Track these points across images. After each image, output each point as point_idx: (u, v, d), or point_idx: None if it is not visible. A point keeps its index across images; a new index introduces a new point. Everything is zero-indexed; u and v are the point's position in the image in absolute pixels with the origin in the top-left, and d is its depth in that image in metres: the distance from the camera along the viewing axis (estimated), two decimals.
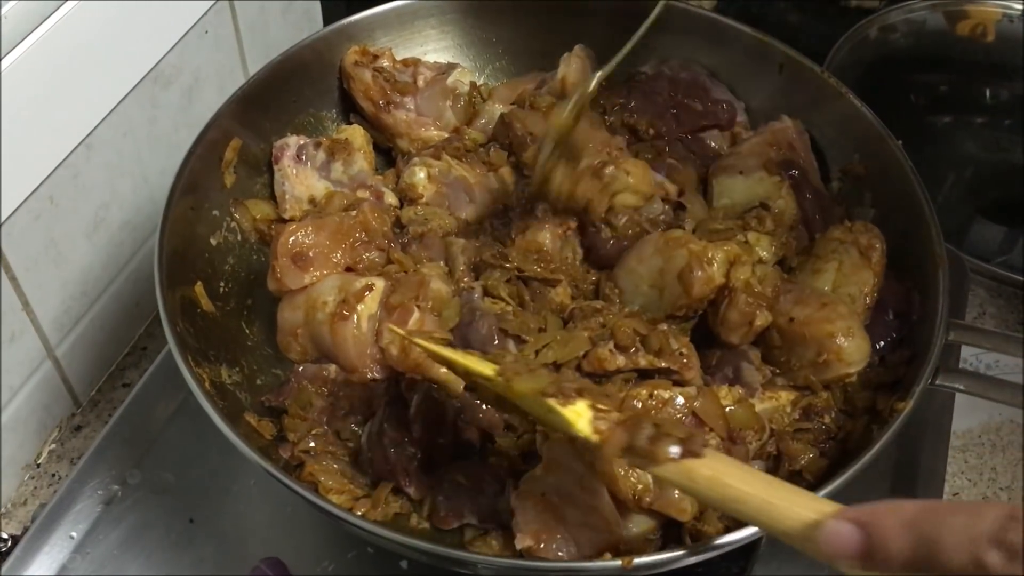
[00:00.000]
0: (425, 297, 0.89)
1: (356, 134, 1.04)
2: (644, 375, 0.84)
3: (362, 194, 1.00)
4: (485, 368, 0.73)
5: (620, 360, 0.82)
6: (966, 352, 1.07)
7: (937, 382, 0.83)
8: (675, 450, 0.62)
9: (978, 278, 1.19)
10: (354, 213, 0.95)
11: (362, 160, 1.02)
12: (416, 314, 0.88)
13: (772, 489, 0.58)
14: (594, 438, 0.66)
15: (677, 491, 0.76)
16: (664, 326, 0.87)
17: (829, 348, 0.86)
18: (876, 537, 0.47)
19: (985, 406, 0.99)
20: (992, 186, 1.33)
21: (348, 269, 0.94)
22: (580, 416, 0.67)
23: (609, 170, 0.93)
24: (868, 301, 0.92)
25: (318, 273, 0.92)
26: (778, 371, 0.89)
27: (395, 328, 0.84)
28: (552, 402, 0.68)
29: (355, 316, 0.89)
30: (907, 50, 1.46)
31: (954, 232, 1.23)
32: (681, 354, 0.83)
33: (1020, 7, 1.47)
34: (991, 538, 0.43)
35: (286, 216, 1.01)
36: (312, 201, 1.00)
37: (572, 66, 1.05)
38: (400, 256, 0.95)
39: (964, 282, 1.11)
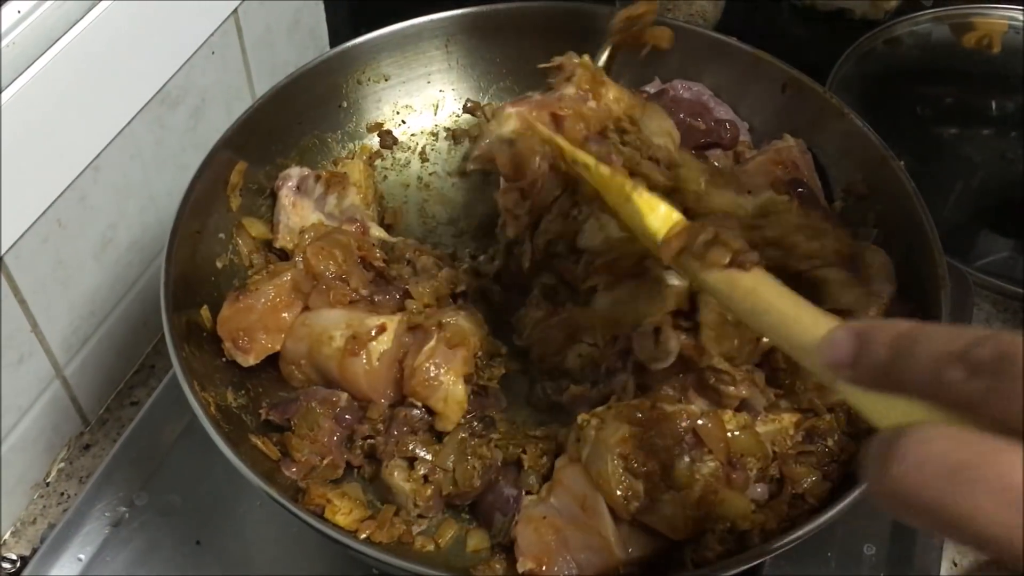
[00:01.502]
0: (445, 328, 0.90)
1: (355, 169, 1.04)
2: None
3: (347, 227, 1.00)
4: (587, 158, 0.80)
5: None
6: None
7: None
8: (723, 257, 0.66)
9: (983, 291, 1.19)
10: (295, 266, 0.95)
11: (354, 195, 1.03)
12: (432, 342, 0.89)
13: (800, 307, 0.60)
14: (660, 233, 0.71)
15: (668, 502, 0.77)
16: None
17: None
18: (865, 346, 0.47)
19: None
20: (999, 198, 1.33)
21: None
22: (653, 210, 0.73)
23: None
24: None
25: (269, 345, 0.92)
26: (782, 393, 0.89)
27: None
28: (635, 192, 0.74)
29: (365, 353, 0.89)
30: (913, 62, 1.47)
31: (960, 244, 1.23)
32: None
33: None
34: (957, 354, 0.42)
35: (276, 244, 1.01)
36: (303, 232, 1.01)
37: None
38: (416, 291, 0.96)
39: (968, 298, 1.11)
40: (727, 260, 0.67)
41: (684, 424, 0.79)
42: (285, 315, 0.93)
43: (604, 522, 0.77)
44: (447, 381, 0.88)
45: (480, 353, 0.92)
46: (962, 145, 1.40)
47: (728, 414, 0.82)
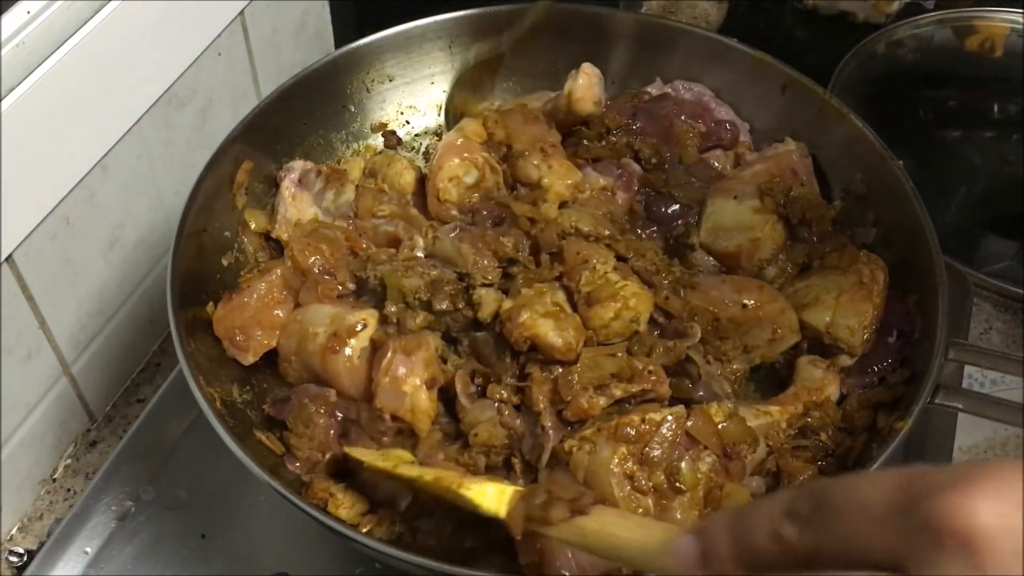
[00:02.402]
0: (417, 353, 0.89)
1: (355, 167, 1.05)
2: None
3: (340, 223, 1.01)
4: (410, 472, 0.81)
5: (601, 401, 0.83)
6: (971, 367, 1.08)
7: (936, 401, 0.84)
8: (564, 512, 0.68)
9: (984, 292, 1.19)
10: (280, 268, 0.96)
11: (351, 192, 1.04)
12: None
13: (642, 526, 0.64)
14: (500, 511, 0.73)
15: (677, 507, 0.78)
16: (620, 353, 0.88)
17: (782, 323, 0.93)
18: (707, 541, 0.50)
19: (991, 422, 1.00)
20: (1001, 200, 1.34)
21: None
22: (484, 496, 0.74)
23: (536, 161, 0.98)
24: (866, 335, 0.93)
25: (266, 342, 0.93)
26: (729, 358, 0.92)
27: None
28: (462, 487, 0.75)
29: (347, 349, 0.89)
30: (915, 65, 1.48)
31: (963, 246, 1.24)
32: (649, 372, 0.85)
33: None
34: (784, 512, 0.46)
35: (273, 235, 1.03)
36: (298, 225, 1.02)
37: (580, 81, 1.05)
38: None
39: (967, 299, 1.12)
40: (567, 513, 0.68)
41: (675, 428, 0.80)
42: (278, 312, 0.94)
43: None
44: (410, 391, 0.87)
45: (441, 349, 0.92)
46: (964, 148, 1.41)
47: (714, 407, 0.83)
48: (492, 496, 0.74)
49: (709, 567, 0.50)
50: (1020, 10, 1.49)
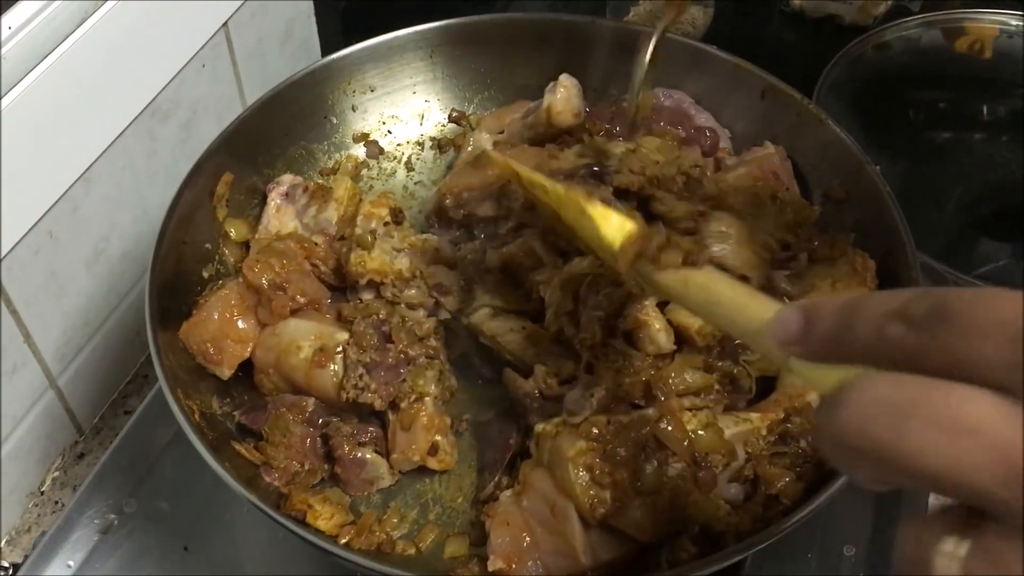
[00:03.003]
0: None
1: (341, 186, 1.05)
2: None
3: (317, 238, 1.02)
4: (542, 180, 0.82)
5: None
6: None
7: None
8: (677, 258, 0.70)
9: None
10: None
11: (332, 210, 1.04)
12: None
13: (750, 295, 0.63)
14: (616, 241, 0.73)
15: (637, 507, 0.78)
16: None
17: None
18: (812, 320, 0.49)
19: None
20: (992, 202, 1.33)
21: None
22: (607, 221, 0.74)
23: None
24: None
25: (239, 353, 0.94)
26: None
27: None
28: (589, 205, 0.76)
29: (333, 365, 0.91)
30: (903, 67, 1.48)
31: (954, 249, 1.24)
32: (716, 388, 0.89)
33: (1017, 24, 1.48)
34: (896, 312, 0.44)
35: (252, 245, 1.04)
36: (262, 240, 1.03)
37: (558, 95, 1.06)
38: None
39: None
40: (680, 260, 0.70)
41: (644, 431, 0.80)
42: (241, 324, 0.94)
43: (572, 528, 0.78)
44: (419, 458, 0.91)
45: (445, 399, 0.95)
46: (954, 150, 1.41)
47: (688, 414, 0.83)
48: (614, 223, 0.74)
49: (806, 343, 0.49)
50: (1009, 11, 1.49)
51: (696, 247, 0.71)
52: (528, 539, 0.79)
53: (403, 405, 0.91)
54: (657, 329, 0.88)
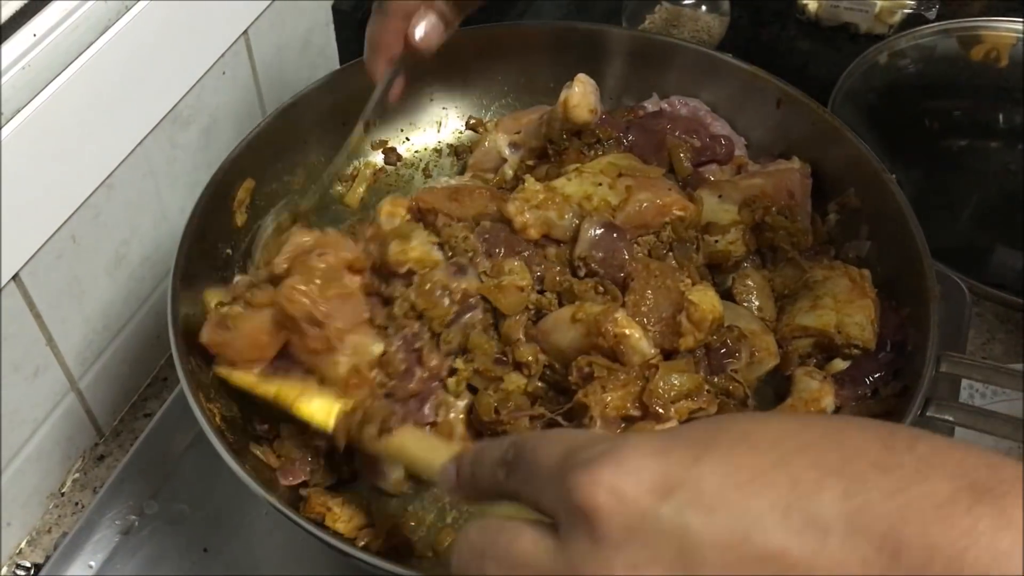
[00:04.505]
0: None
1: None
2: None
3: None
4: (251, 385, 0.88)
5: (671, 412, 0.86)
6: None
7: (927, 414, 0.84)
8: (373, 431, 0.80)
9: (988, 303, 1.19)
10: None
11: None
12: None
13: (436, 450, 0.73)
14: (328, 424, 0.82)
15: None
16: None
17: (760, 346, 0.95)
18: (459, 470, 0.58)
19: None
20: (1007, 210, 1.33)
21: None
22: (313, 409, 0.84)
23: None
24: (876, 327, 0.94)
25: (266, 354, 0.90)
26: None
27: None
28: (297, 401, 0.84)
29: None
30: (918, 76, 1.48)
31: (970, 257, 1.24)
32: (707, 390, 0.88)
33: None
34: (500, 459, 0.53)
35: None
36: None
37: (575, 89, 1.06)
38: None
39: (964, 310, 1.12)
40: (376, 431, 0.80)
41: None
42: (270, 345, 0.88)
43: None
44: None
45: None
46: (970, 158, 1.41)
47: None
48: (322, 408, 0.83)
49: (460, 490, 0.59)
50: None
51: (389, 414, 0.81)
52: None
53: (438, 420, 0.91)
54: (637, 338, 0.87)
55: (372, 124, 1.01)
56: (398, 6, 0.91)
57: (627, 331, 0.87)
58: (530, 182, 0.99)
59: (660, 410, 0.83)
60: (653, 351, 0.87)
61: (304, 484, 0.89)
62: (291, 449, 0.89)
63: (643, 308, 0.91)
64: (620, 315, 0.87)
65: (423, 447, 0.75)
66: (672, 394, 0.84)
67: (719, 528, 0.43)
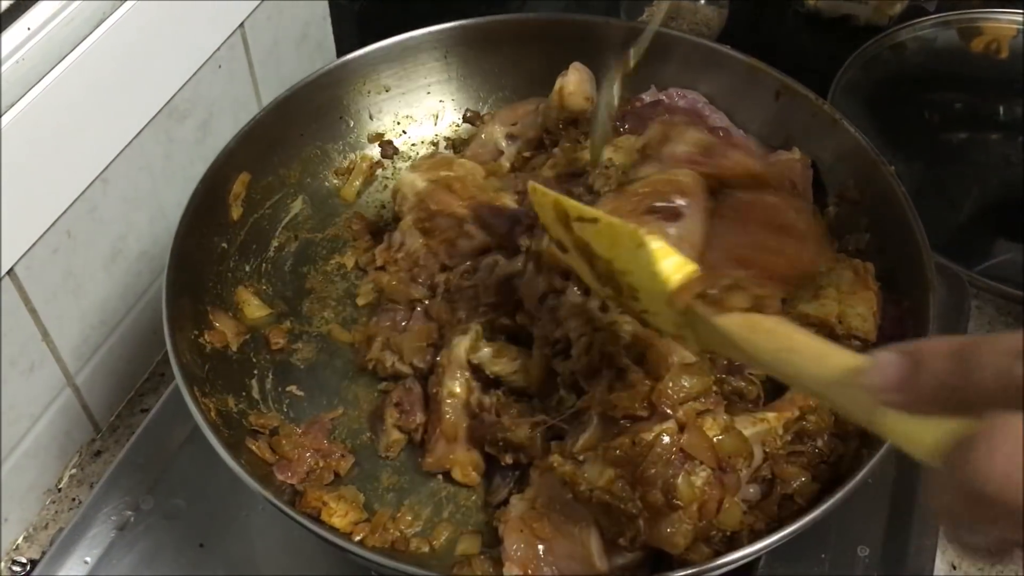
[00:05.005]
0: None
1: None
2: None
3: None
4: (595, 212, 0.76)
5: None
6: None
7: None
8: (745, 301, 0.65)
9: (986, 295, 1.19)
10: None
11: None
12: None
13: (826, 344, 0.58)
14: (672, 279, 0.68)
15: (669, 522, 0.78)
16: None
17: None
18: (920, 365, 0.45)
19: None
20: (1007, 202, 1.33)
21: None
22: (667, 257, 0.69)
23: None
24: (877, 320, 0.93)
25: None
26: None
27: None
28: (647, 239, 0.69)
29: None
30: (918, 68, 1.47)
31: (970, 249, 1.24)
32: (714, 391, 0.84)
33: None
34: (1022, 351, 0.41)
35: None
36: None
37: (570, 77, 1.06)
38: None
39: (964, 301, 1.11)
40: (748, 304, 0.66)
41: (668, 445, 0.79)
42: None
43: (587, 532, 0.79)
44: (451, 468, 0.93)
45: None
46: (970, 150, 1.40)
47: (708, 421, 0.82)
48: (675, 262, 0.68)
49: (911, 391, 0.45)
50: None
51: (764, 295, 0.67)
52: (543, 545, 0.79)
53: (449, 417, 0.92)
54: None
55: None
56: None
57: None
58: None
59: (668, 411, 0.81)
60: (696, 354, 0.84)
61: (303, 479, 0.88)
62: (287, 448, 0.88)
63: None
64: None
65: (813, 337, 0.59)
66: (681, 395, 0.81)
67: None
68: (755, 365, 0.73)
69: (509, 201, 1.01)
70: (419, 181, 1.03)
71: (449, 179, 1.02)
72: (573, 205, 0.76)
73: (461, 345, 0.93)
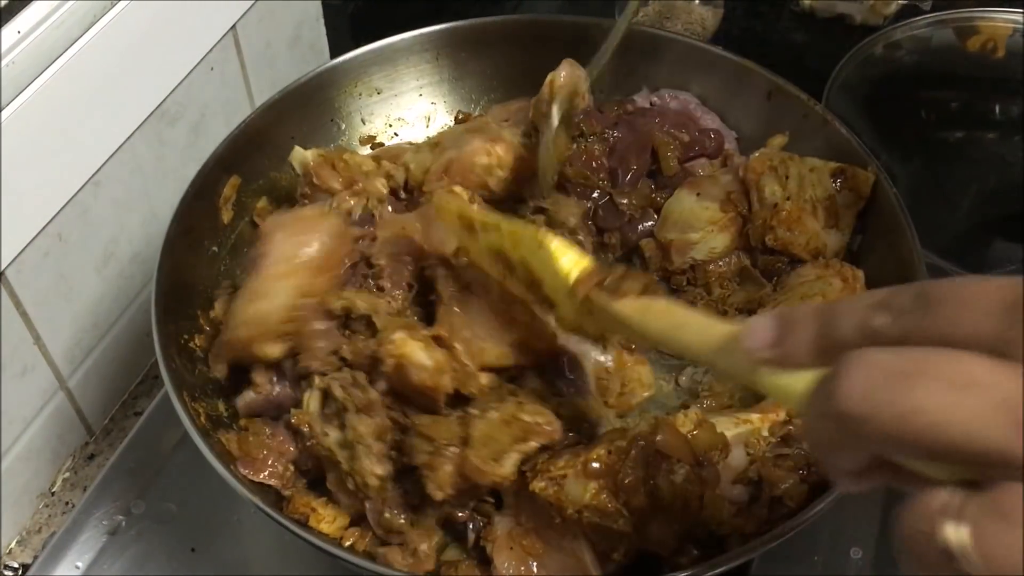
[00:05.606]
0: None
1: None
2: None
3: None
4: (497, 219, 0.83)
5: (505, 469, 0.79)
6: None
7: None
8: (637, 287, 0.71)
9: None
10: None
11: None
12: None
13: (711, 318, 0.63)
14: (572, 274, 0.74)
15: (656, 524, 0.78)
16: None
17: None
18: (788, 324, 0.49)
19: None
20: (1003, 202, 1.32)
21: None
22: (566, 254, 0.76)
23: None
24: None
25: None
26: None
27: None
28: (546, 238, 0.77)
29: None
30: (914, 67, 1.47)
31: (968, 250, 1.24)
32: (538, 423, 0.80)
33: None
34: (880, 303, 0.45)
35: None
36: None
37: (561, 72, 1.06)
38: None
39: None
40: (640, 289, 0.70)
41: (644, 447, 0.79)
42: None
43: (580, 546, 0.79)
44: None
45: None
46: (966, 149, 1.40)
47: (680, 417, 0.83)
48: (573, 258, 0.75)
49: (782, 347, 0.49)
50: (1022, 10, 1.48)
51: (653, 280, 0.73)
52: (535, 561, 0.79)
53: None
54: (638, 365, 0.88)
55: None
56: None
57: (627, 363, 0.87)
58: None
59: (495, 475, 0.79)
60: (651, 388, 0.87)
61: (280, 477, 0.88)
62: (254, 446, 0.88)
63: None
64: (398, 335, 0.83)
65: (699, 313, 0.65)
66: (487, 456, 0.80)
67: None
68: (651, 343, 0.78)
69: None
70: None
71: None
72: (476, 213, 0.84)
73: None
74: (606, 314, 0.71)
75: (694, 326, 0.62)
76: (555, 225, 1.01)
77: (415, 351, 0.81)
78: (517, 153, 1.01)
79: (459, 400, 0.84)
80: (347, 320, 0.89)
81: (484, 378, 0.85)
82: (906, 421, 0.41)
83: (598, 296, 0.72)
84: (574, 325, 0.78)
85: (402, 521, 0.82)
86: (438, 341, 0.84)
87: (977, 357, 0.41)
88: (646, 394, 0.93)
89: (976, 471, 0.41)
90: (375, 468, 0.81)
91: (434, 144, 1.04)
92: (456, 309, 0.86)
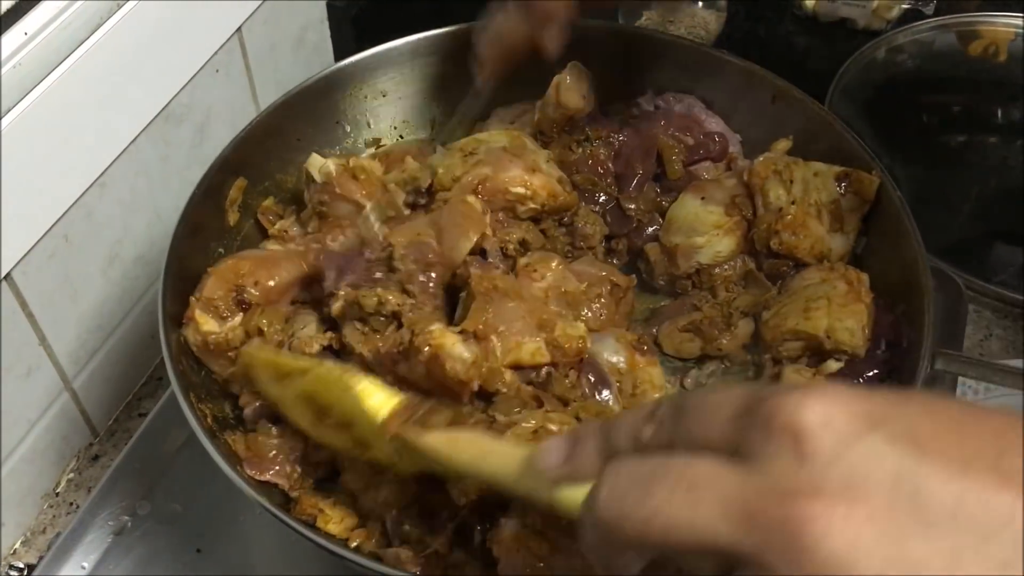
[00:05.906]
0: None
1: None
2: None
3: None
4: (305, 363, 0.83)
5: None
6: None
7: None
8: (443, 419, 0.74)
9: (984, 299, 1.19)
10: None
11: None
12: None
13: (514, 444, 0.69)
14: (381, 412, 0.75)
15: None
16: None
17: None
18: (574, 442, 0.54)
19: None
20: (1006, 206, 1.33)
21: None
22: (372, 395, 0.76)
23: None
24: (867, 333, 0.92)
25: None
26: None
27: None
28: (352, 380, 0.77)
29: None
30: (916, 71, 1.47)
31: (969, 254, 1.24)
32: None
33: None
34: (646, 417, 0.50)
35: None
36: None
37: (566, 76, 1.06)
38: None
39: (960, 306, 1.11)
40: (446, 421, 0.74)
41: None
42: None
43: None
44: None
45: None
46: (968, 153, 1.40)
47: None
48: (381, 397, 0.76)
49: (570, 463, 0.54)
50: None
51: (460, 412, 0.77)
52: (541, 563, 0.79)
53: None
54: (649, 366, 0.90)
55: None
56: (540, 6, 0.95)
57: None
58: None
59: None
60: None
61: (287, 477, 0.88)
62: (262, 446, 0.88)
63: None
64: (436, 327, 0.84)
65: (502, 442, 0.70)
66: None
67: (939, 463, 0.42)
68: (460, 476, 0.78)
69: None
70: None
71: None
72: (284, 361, 0.84)
73: None
74: (416, 450, 0.72)
75: (498, 453, 0.65)
76: (578, 239, 1.03)
77: (455, 343, 0.82)
78: (551, 190, 1.01)
79: (479, 396, 0.84)
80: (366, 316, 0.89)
81: (508, 375, 0.85)
82: (648, 524, 0.45)
83: (407, 432, 0.73)
84: (390, 463, 0.78)
85: (418, 531, 0.83)
86: (474, 335, 0.84)
87: (708, 459, 0.46)
88: (658, 395, 0.93)
89: (728, 566, 0.44)
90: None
91: (468, 153, 1.04)
92: (488, 306, 0.86)
